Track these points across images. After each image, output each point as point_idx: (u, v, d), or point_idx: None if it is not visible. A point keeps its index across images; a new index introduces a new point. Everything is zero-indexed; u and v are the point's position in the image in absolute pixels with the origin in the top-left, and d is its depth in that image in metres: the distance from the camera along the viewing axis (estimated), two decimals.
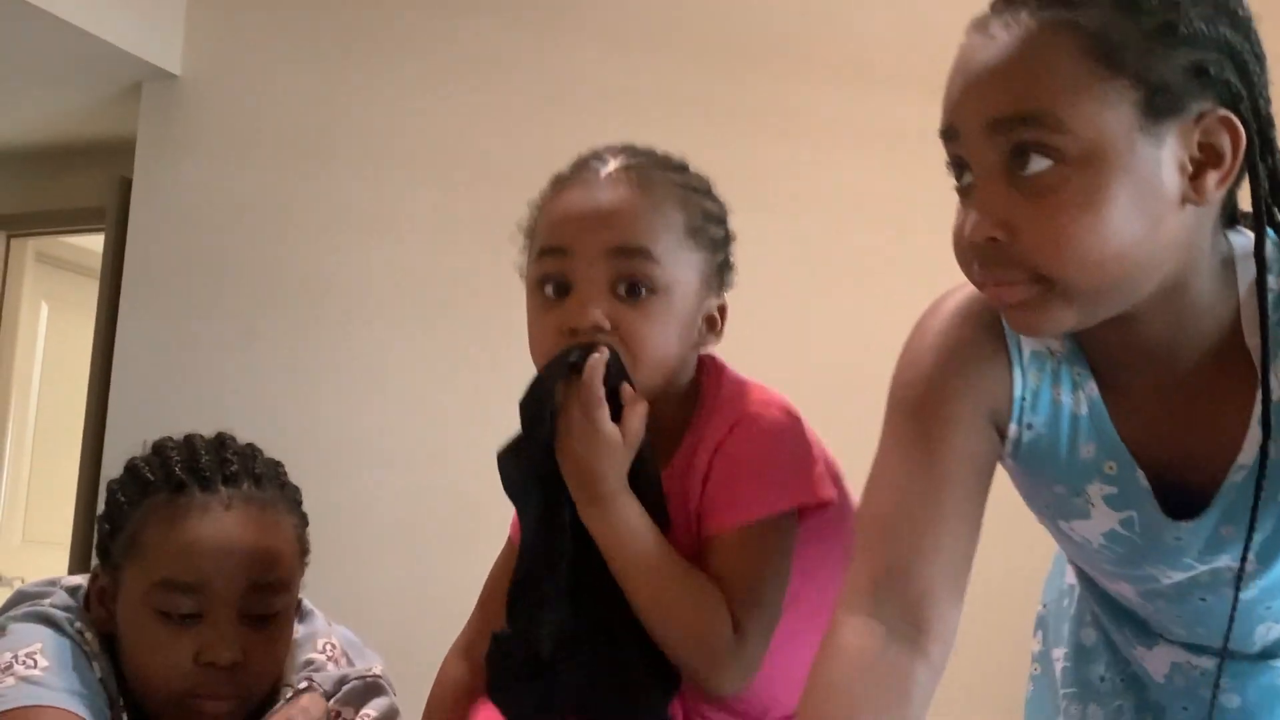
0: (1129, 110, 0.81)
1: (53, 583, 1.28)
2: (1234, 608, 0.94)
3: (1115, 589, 1.08)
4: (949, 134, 0.88)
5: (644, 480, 1.05)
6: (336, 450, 3.03)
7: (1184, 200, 0.84)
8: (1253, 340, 0.89)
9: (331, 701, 1.21)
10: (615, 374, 1.04)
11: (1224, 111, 0.83)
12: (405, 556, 2.94)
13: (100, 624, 1.21)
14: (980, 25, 0.87)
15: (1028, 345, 0.96)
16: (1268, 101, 0.86)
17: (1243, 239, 0.92)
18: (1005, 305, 0.87)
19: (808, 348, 2.59)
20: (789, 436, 1.09)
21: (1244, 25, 0.86)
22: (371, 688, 1.24)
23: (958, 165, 0.89)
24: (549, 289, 1.08)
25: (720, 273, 1.13)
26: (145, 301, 3.41)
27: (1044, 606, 1.26)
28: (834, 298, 2.67)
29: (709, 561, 1.06)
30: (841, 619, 0.90)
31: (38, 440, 4.34)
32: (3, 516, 4.23)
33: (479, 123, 3.05)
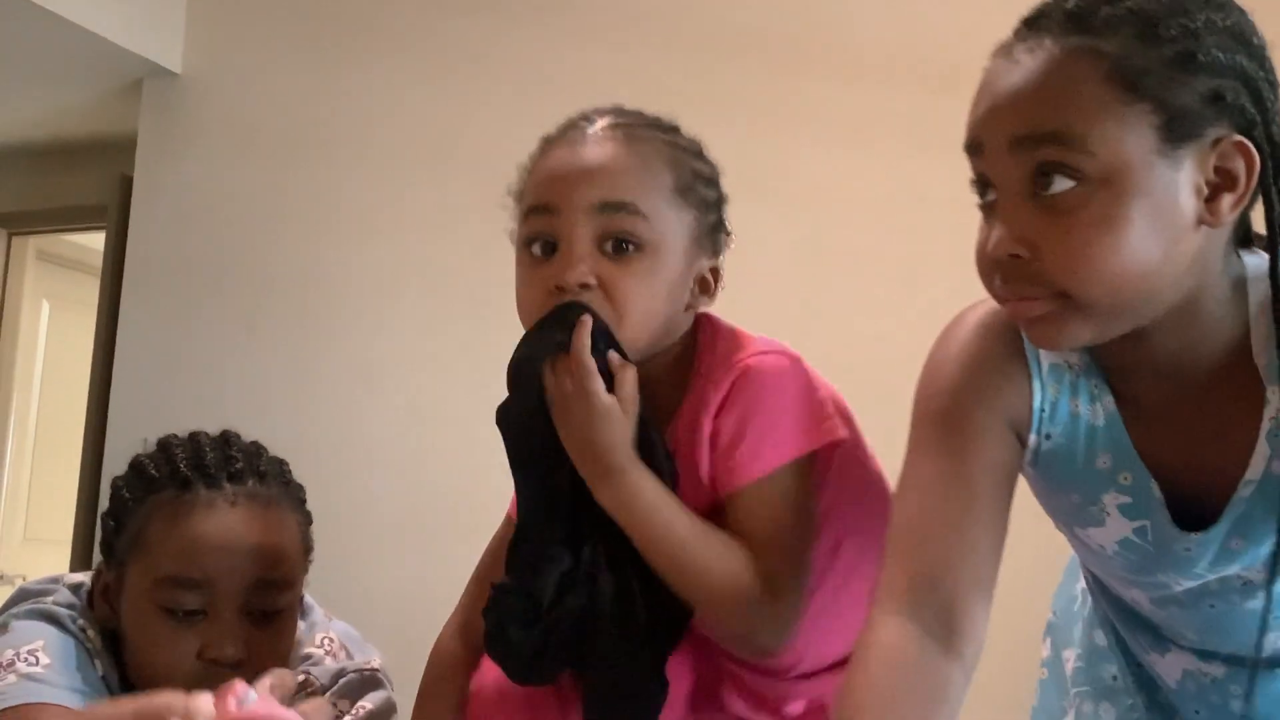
0: (1149, 134, 0.84)
1: (55, 580, 1.28)
2: (1266, 612, 0.98)
3: (1129, 595, 1.10)
4: (974, 149, 0.91)
5: (647, 446, 1.04)
6: (337, 447, 3.03)
7: (1199, 222, 0.87)
8: (1262, 359, 0.92)
9: (328, 695, 1.21)
10: (602, 342, 1.03)
11: (1239, 137, 0.86)
12: (405, 553, 2.94)
13: (103, 621, 1.21)
14: (1005, 50, 0.90)
15: (1046, 358, 0.99)
16: None
17: (1255, 259, 0.95)
18: (1025, 320, 0.91)
19: (804, 344, 2.59)
20: (792, 382, 1.08)
21: (1259, 54, 0.89)
22: (368, 681, 1.24)
23: (981, 183, 0.91)
24: (536, 248, 1.07)
25: (712, 234, 1.11)
26: (146, 299, 3.41)
27: (1054, 614, 1.27)
28: (832, 293, 2.67)
29: (731, 519, 1.05)
30: (877, 620, 0.93)
31: (39, 438, 4.34)
32: (4, 514, 4.23)
33: (480, 119, 3.05)
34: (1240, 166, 0.86)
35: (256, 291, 3.26)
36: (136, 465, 1.24)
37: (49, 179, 4.09)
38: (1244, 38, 0.88)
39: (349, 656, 1.27)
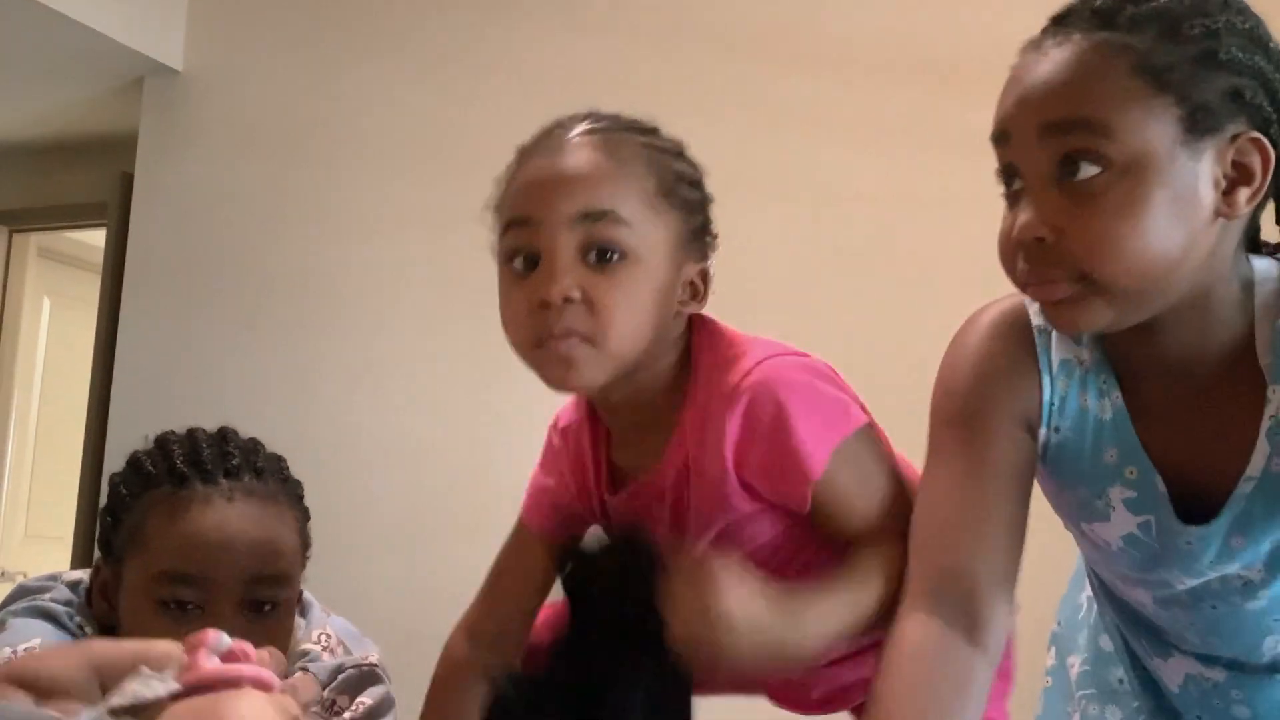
0: (1172, 125, 0.88)
1: (53, 578, 1.28)
2: (1266, 615, 1.00)
3: (1133, 597, 1.11)
4: (1001, 139, 0.94)
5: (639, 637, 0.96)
6: (337, 444, 3.04)
7: (1217, 214, 0.90)
8: (1266, 358, 0.95)
9: (327, 690, 1.21)
10: (650, 575, 0.95)
11: (1256, 133, 0.90)
12: (405, 550, 2.95)
13: (102, 617, 1.21)
14: (1034, 45, 0.94)
15: (1057, 354, 1.02)
16: None
17: (1262, 263, 0.99)
18: (1047, 303, 0.93)
19: (805, 342, 2.58)
20: (808, 379, 1.05)
21: (1276, 57, 0.92)
22: (367, 676, 1.24)
23: (1007, 172, 0.94)
24: (518, 263, 1.04)
25: (699, 236, 1.08)
26: (147, 296, 3.41)
27: (1059, 624, 1.29)
28: (834, 291, 2.66)
29: (827, 525, 1.03)
30: (902, 617, 0.98)
31: (40, 435, 4.34)
32: (5, 512, 4.23)
33: (481, 117, 3.05)
34: (1256, 162, 0.90)
35: (257, 289, 3.26)
36: (134, 462, 1.24)
37: (50, 176, 4.09)
38: (1262, 41, 0.92)
39: (347, 652, 1.27)
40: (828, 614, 0.99)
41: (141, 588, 1.16)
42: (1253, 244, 0.99)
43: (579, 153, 1.04)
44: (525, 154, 1.08)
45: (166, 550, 1.16)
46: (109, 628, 1.21)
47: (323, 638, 1.27)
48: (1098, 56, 0.89)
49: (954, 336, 1.07)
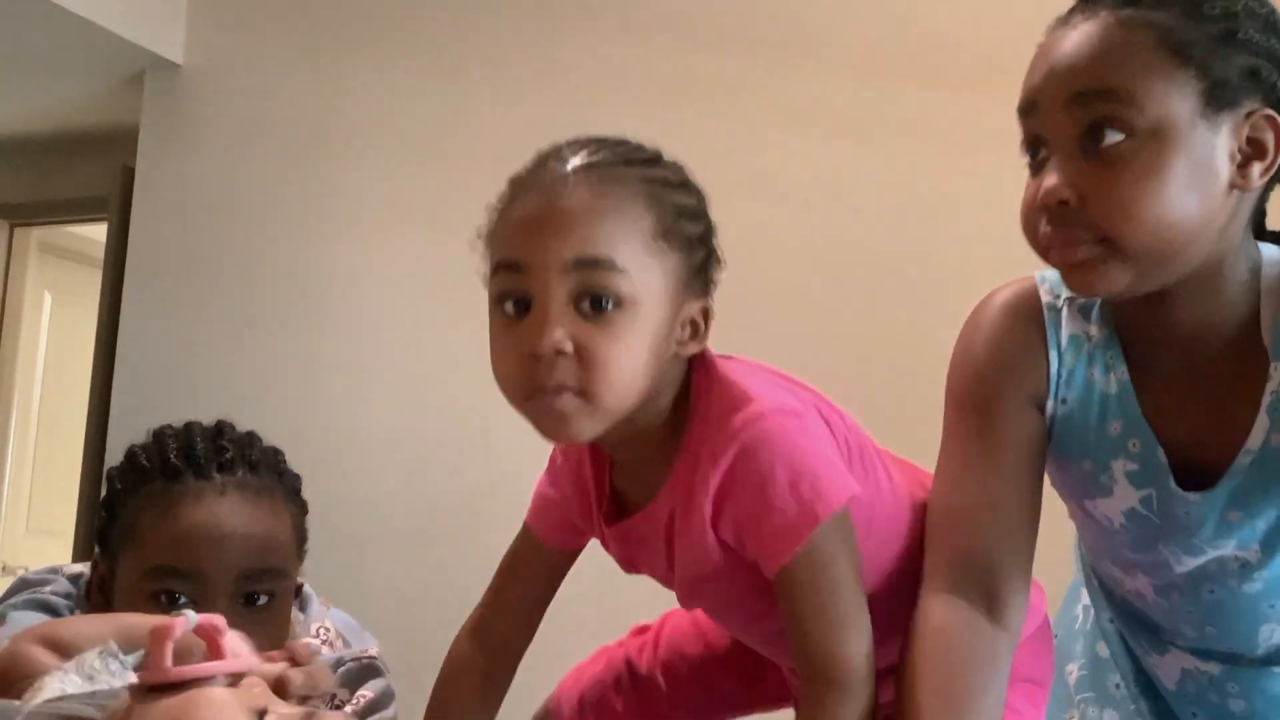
0: (1193, 98, 0.93)
1: (54, 570, 1.28)
2: (1262, 599, 1.03)
3: (1132, 587, 1.13)
4: (1028, 110, 0.98)
5: None
6: (338, 439, 3.04)
7: (1231, 186, 0.95)
8: (1270, 335, 0.99)
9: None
10: None
11: (1270, 111, 0.95)
12: (407, 545, 2.95)
13: (99, 611, 1.21)
14: (1062, 21, 0.99)
15: (1066, 330, 1.06)
16: None
17: (1270, 249, 1.04)
18: (1067, 265, 0.97)
19: (804, 339, 2.58)
20: (797, 445, 1.00)
21: None
22: (367, 669, 1.24)
23: (1033, 143, 0.98)
24: (508, 306, 0.99)
25: (700, 273, 1.02)
26: (148, 291, 3.41)
27: (1056, 636, 1.30)
28: (834, 288, 2.66)
29: (783, 597, 1.00)
30: (925, 601, 1.02)
31: (41, 430, 4.34)
32: (7, 506, 4.23)
33: (483, 113, 3.05)
34: (1270, 138, 0.95)
35: (258, 283, 3.26)
36: (129, 456, 1.24)
37: (51, 171, 4.09)
38: (1276, 28, 0.97)
39: (346, 645, 1.27)
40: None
41: (135, 582, 1.16)
42: (1258, 229, 1.04)
43: (574, 193, 0.97)
44: (518, 188, 1.01)
45: (159, 545, 1.16)
46: None
47: (321, 631, 1.27)
48: (1124, 31, 0.94)
49: (966, 320, 1.11)
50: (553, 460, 1.15)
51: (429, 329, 3.04)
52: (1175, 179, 0.92)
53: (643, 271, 0.97)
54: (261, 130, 3.33)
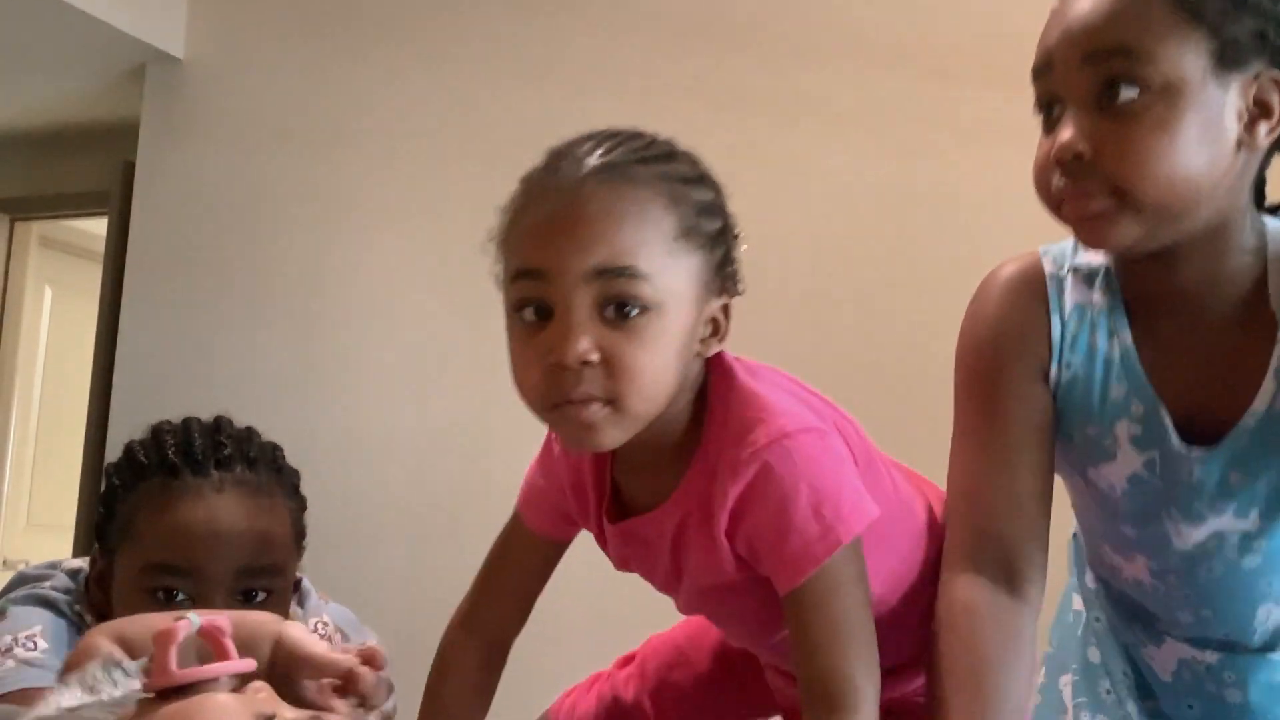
0: (1204, 57, 0.96)
1: (53, 566, 1.28)
2: (1260, 576, 1.06)
3: (1131, 572, 1.14)
4: (1044, 69, 1.01)
5: None
6: (340, 434, 3.04)
7: (1239, 145, 0.98)
8: (1276, 299, 1.02)
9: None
10: None
11: (1276, 73, 0.98)
12: (409, 541, 2.95)
13: (98, 606, 1.21)
14: None
15: (1070, 299, 1.09)
16: None
17: (1276, 222, 1.06)
18: (1080, 218, 0.99)
19: (807, 336, 2.58)
20: (823, 467, 0.99)
21: None
22: None
23: (1047, 103, 1.01)
24: (528, 313, 0.96)
25: (721, 270, 1.00)
26: (148, 285, 3.41)
27: (1051, 646, 1.32)
28: (837, 284, 2.66)
29: (793, 616, 1.00)
30: (947, 580, 1.05)
31: (42, 424, 4.35)
32: (7, 500, 4.24)
33: (485, 108, 3.04)
34: (1276, 99, 0.98)
35: (259, 277, 3.25)
36: (128, 452, 1.24)
37: (51, 165, 4.09)
38: None
39: (345, 639, 1.27)
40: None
41: (132, 578, 1.17)
42: (1258, 198, 1.06)
43: (593, 197, 0.94)
44: (532, 190, 0.99)
45: (156, 542, 1.16)
46: (106, 617, 1.21)
47: (320, 626, 1.27)
48: None
49: (972, 298, 1.13)
50: (547, 447, 1.13)
51: (429, 323, 3.04)
52: (1187, 134, 0.95)
53: (666, 275, 0.95)
54: (262, 125, 3.33)
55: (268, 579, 1.18)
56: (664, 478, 1.03)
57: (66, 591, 1.22)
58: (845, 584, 0.99)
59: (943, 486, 1.13)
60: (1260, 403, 1.02)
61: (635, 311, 0.93)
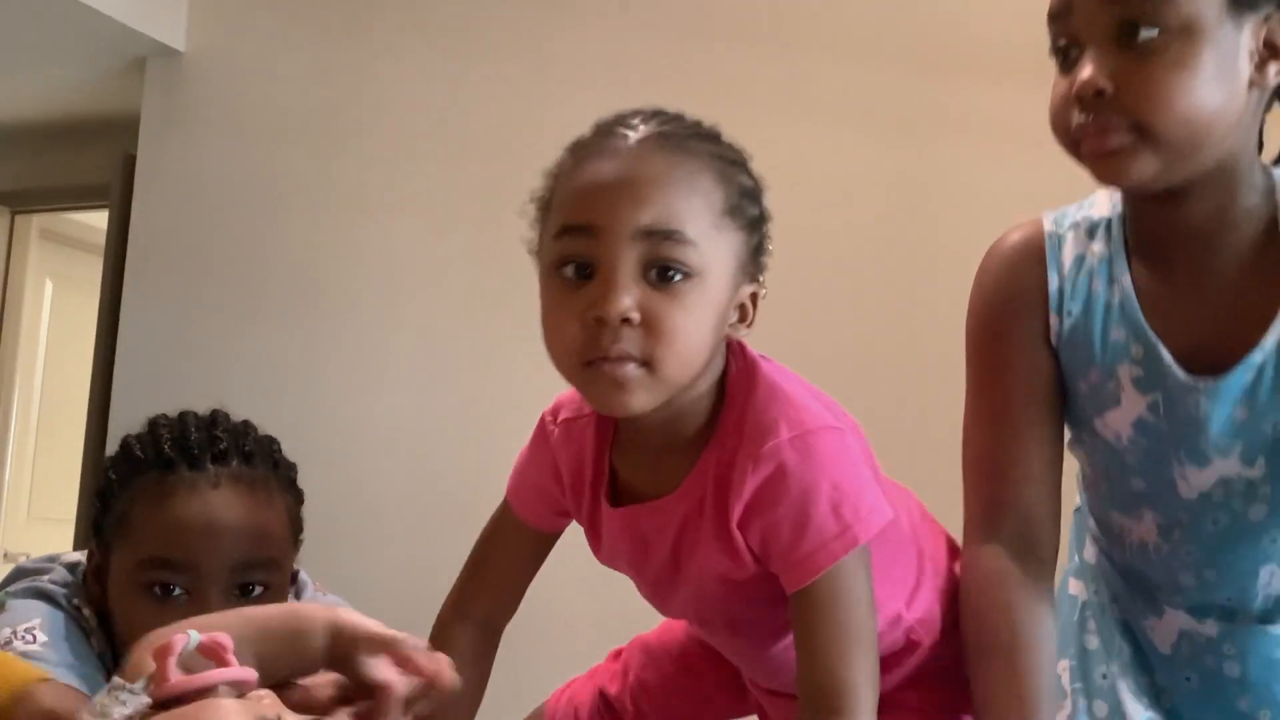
0: None
1: (52, 559, 1.28)
2: (1264, 533, 1.09)
3: (1137, 534, 1.15)
4: (1062, 11, 1.04)
5: None
6: (340, 428, 3.04)
7: (1251, 84, 1.03)
8: None
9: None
10: None
11: None
12: (409, 536, 2.95)
13: (94, 601, 1.21)
14: None
15: (1070, 252, 1.12)
16: None
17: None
18: (1099, 154, 1.02)
19: (800, 332, 2.58)
20: (843, 466, 0.99)
21: None
22: None
23: (1064, 44, 1.05)
24: (568, 270, 0.95)
25: (755, 256, 1.01)
26: (149, 278, 3.41)
27: None
28: (837, 284, 2.66)
29: (799, 615, 0.99)
30: (968, 552, 1.11)
31: (43, 417, 4.35)
32: (8, 493, 4.24)
33: (487, 101, 3.04)
34: None
35: (259, 270, 3.25)
36: (124, 446, 1.24)
37: (52, 157, 4.09)
38: None
39: None
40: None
41: (128, 573, 1.17)
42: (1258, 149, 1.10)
43: (647, 160, 0.96)
44: (584, 152, 0.99)
45: (152, 537, 1.16)
46: (104, 611, 1.21)
47: None
48: None
49: (976, 271, 1.16)
50: (540, 433, 1.12)
51: (431, 316, 3.04)
52: (1203, 72, 0.99)
53: (710, 245, 0.96)
54: (263, 117, 3.33)
55: (265, 573, 1.18)
56: (671, 466, 1.03)
57: (65, 585, 1.22)
58: (854, 586, 0.98)
59: (940, 482, 1.13)
60: (1270, 338, 1.05)
61: (679, 277, 0.94)
